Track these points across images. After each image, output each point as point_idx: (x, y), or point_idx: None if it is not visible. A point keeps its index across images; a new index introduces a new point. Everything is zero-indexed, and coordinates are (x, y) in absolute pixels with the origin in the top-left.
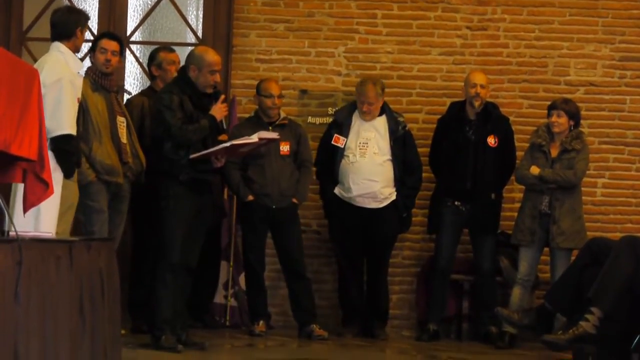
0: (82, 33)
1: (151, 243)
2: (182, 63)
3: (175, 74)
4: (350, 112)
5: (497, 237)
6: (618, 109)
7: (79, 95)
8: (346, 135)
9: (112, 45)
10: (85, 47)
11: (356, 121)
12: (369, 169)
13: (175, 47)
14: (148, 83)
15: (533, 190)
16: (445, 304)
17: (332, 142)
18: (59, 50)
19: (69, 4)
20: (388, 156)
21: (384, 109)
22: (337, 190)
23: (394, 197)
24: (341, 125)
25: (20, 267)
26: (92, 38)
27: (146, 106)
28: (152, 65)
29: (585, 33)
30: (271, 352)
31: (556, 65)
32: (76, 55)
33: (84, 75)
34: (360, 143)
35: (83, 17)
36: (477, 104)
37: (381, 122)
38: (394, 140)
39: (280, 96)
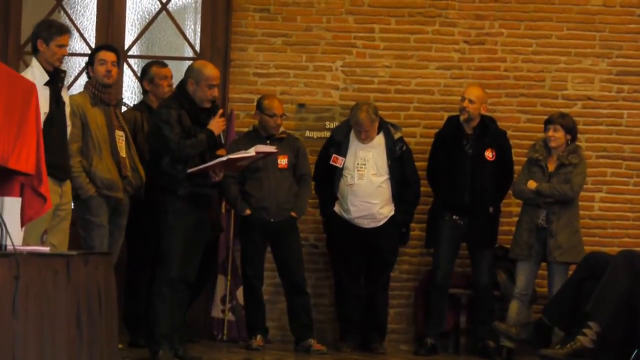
0: (48, 45)
1: (146, 256)
2: (177, 77)
3: (167, 89)
4: (348, 131)
5: (495, 251)
6: (615, 123)
7: (42, 109)
8: (344, 155)
9: (110, 56)
10: (82, 62)
11: (354, 141)
12: (367, 191)
13: (172, 61)
14: None
15: (530, 205)
16: (443, 318)
17: (331, 162)
18: (32, 64)
19: (65, 16)
20: (386, 176)
21: (381, 126)
22: (336, 208)
23: (392, 214)
24: (339, 144)
25: (17, 281)
26: (88, 52)
27: (139, 120)
28: (144, 80)
29: (582, 47)
30: None
31: (554, 80)
32: (44, 70)
33: (82, 90)
34: (358, 164)
35: (44, 29)
36: (462, 117)
37: (379, 141)
38: (392, 159)
39: (283, 115)
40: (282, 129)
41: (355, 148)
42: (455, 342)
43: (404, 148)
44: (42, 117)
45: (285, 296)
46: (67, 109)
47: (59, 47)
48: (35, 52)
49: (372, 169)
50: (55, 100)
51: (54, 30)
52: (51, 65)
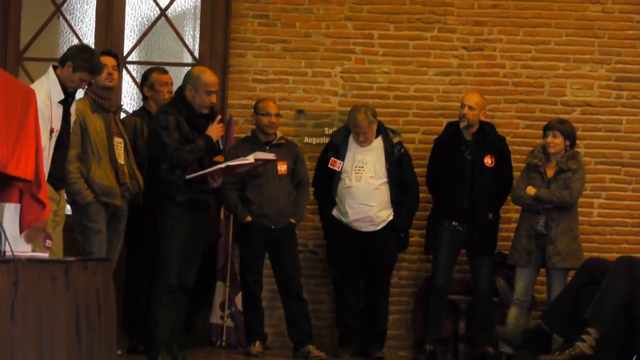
0: (74, 72)
1: (145, 262)
2: (176, 83)
3: (167, 95)
4: (347, 135)
5: (494, 258)
6: (614, 130)
7: (54, 126)
8: (342, 158)
9: (110, 60)
10: None
11: (352, 144)
12: (364, 193)
13: (172, 67)
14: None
15: (529, 211)
16: (442, 324)
17: (329, 166)
18: (48, 75)
19: (64, 23)
20: (384, 179)
21: (380, 130)
22: (335, 212)
23: (391, 218)
24: (338, 148)
25: (16, 287)
26: None
27: (139, 126)
28: (145, 86)
29: (581, 53)
30: None
31: (552, 86)
32: (61, 87)
33: (82, 96)
34: (356, 167)
35: (82, 58)
36: (462, 124)
37: (377, 145)
38: (390, 162)
39: (278, 115)
40: (279, 134)
41: (354, 151)
42: (454, 349)
43: (402, 151)
44: (55, 135)
45: (282, 302)
46: (72, 119)
47: (82, 80)
48: (61, 65)
49: (370, 171)
50: (65, 117)
51: (88, 65)
52: (63, 82)
